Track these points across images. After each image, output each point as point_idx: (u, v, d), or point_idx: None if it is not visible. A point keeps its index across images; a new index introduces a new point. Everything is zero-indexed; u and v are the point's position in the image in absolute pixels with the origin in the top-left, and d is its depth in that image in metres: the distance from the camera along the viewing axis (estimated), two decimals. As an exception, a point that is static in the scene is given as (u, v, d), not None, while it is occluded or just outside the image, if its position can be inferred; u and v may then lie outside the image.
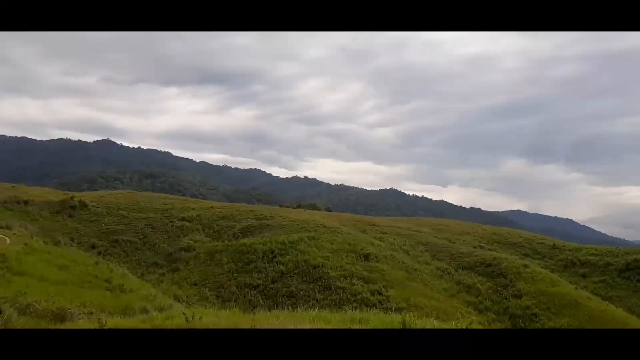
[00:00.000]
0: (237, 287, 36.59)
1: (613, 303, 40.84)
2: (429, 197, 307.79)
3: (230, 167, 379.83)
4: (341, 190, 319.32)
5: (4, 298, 15.48)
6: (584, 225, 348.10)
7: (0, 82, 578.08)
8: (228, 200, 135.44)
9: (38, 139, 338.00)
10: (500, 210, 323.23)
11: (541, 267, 47.64)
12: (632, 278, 46.21)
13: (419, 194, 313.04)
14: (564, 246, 57.13)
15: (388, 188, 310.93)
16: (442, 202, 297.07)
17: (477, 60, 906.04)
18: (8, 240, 33.01)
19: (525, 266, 44.76)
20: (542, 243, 58.54)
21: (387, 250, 44.92)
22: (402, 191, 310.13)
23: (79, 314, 15.89)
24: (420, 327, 10.37)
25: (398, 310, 27.68)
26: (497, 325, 34.58)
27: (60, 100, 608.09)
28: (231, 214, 54.93)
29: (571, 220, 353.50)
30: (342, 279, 36.44)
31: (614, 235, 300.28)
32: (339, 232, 47.33)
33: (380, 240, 48.91)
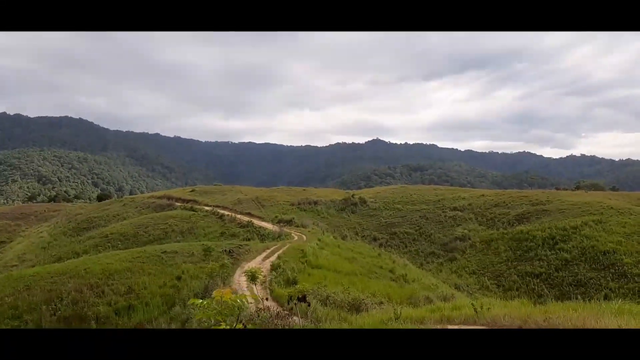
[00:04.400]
0: (517, 276, 35.39)
1: None
2: None
3: (497, 153, 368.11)
4: (628, 165, 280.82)
5: (309, 290, 17.77)
6: None
7: (287, 99, 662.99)
8: (497, 186, 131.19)
9: (319, 145, 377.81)
10: None
11: None
12: None
13: None
14: None
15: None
16: None
17: None
18: (304, 238, 37.87)
19: None
20: None
21: (698, 233, 38.14)
22: None
23: (371, 303, 17.31)
24: None
25: None
26: None
27: (334, 108, 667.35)
28: (503, 201, 53.23)
29: None
30: (639, 265, 32.34)
31: None
32: (631, 214, 41.89)
33: (688, 221, 41.72)
